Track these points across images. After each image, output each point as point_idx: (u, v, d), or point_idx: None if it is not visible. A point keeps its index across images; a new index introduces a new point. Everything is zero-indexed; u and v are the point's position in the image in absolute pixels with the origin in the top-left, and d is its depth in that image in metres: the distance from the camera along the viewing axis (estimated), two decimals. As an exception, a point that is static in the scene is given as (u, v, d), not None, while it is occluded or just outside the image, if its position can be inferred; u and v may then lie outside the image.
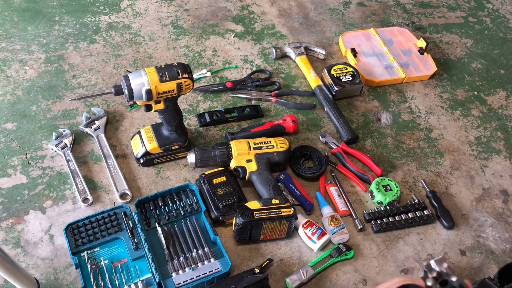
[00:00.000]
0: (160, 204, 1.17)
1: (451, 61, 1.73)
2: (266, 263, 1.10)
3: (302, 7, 1.85)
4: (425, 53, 1.67)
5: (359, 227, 1.20)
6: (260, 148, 1.25)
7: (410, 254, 1.18)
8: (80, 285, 1.04)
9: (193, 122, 1.40)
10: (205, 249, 1.11)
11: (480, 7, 1.99)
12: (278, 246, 1.16)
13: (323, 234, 1.14)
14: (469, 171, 1.39)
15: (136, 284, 1.04)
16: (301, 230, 1.16)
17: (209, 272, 1.06)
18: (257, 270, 1.08)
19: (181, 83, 1.13)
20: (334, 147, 1.37)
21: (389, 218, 1.22)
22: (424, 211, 1.24)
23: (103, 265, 1.07)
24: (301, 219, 1.17)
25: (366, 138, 1.43)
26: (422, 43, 1.68)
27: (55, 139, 1.28)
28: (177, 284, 1.04)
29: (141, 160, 1.26)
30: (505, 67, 1.74)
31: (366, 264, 1.15)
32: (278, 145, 1.26)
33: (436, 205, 1.26)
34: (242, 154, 1.23)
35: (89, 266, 1.05)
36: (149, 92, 1.10)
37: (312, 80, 1.52)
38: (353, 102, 1.53)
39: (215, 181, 1.20)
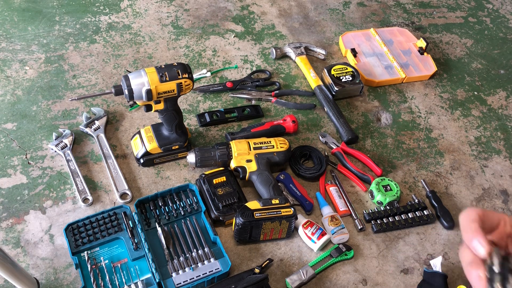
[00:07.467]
0: (160, 204, 1.17)
1: (451, 61, 1.73)
2: (266, 263, 1.10)
3: (302, 7, 1.85)
4: (425, 53, 1.67)
5: (359, 227, 1.20)
6: (260, 148, 1.25)
7: (410, 254, 1.18)
8: (80, 285, 1.04)
9: (193, 122, 1.40)
10: (205, 249, 1.11)
11: (480, 7, 1.99)
12: (278, 246, 1.16)
13: (323, 234, 1.14)
14: (469, 171, 1.39)
15: (136, 284, 1.04)
16: (301, 230, 1.16)
17: (209, 272, 1.06)
18: (257, 270, 1.08)
19: (181, 83, 1.13)
20: (334, 147, 1.37)
21: (389, 218, 1.22)
22: (424, 211, 1.24)
23: (103, 265, 1.07)
24: (301, 219, 1.17)
25: (366, 138, 1.43)
26: (422, 43, 1.68)
27: (55, 139, 1.28)
28: (177, 284, 1.04)
29: (141, 160, 1.26)
30: (505, 67, 1.74)
31: (366, 264, 1.15)
32: (278, 145, 1.26)
33: (436, 205, 1.26)
34: (242, 154, 1.23)
35: (89, 266, 1.05)
36: (149, 92, 1.10)
37: (312, 80, 1.52)
38: (353, 102, 1.53)
39: (215, 181, 1.19)
